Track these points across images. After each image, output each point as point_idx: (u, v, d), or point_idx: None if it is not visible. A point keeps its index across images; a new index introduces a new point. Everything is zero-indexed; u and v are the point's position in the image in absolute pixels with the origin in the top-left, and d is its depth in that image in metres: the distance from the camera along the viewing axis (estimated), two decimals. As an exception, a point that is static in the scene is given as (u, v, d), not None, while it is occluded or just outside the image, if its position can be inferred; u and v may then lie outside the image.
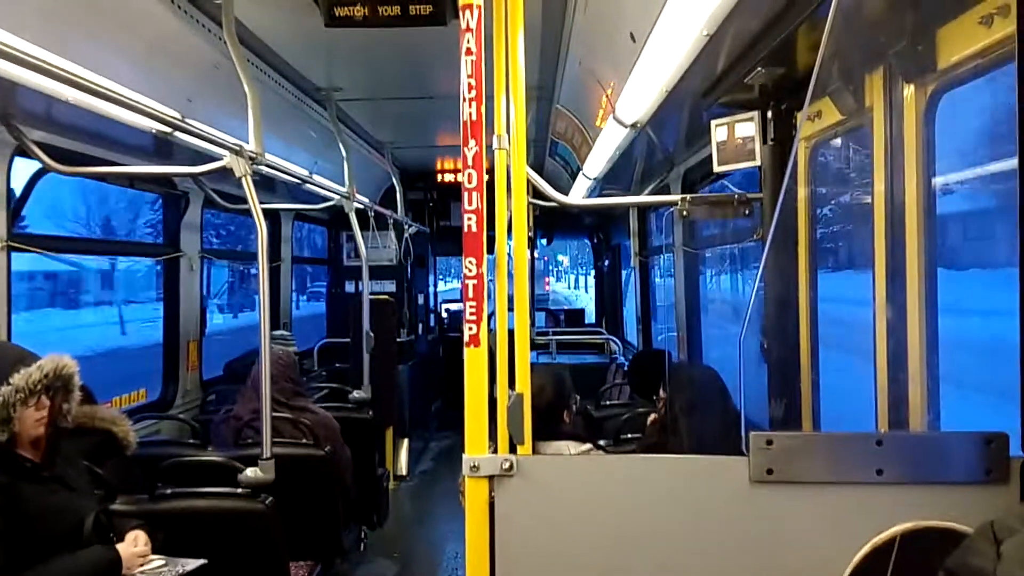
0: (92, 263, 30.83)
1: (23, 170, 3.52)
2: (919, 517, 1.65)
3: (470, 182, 1.80)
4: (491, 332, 1.89)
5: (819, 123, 2.82)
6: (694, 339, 5.24)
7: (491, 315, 1.93)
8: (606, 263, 10.25)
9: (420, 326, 9.10)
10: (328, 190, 5.33)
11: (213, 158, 3.29)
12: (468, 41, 1.79)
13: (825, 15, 1.78)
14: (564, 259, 52.81)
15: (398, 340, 7.29)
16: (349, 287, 8.38)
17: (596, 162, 4.84)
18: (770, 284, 2.89)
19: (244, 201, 3.19)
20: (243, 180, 3.15)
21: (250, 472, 3.07)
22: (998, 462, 1.66)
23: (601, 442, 3.77)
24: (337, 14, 2.82)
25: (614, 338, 8.12)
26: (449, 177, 8.55)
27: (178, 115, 3.31)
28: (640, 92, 3.14)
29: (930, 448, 1.73)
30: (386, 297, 6.89)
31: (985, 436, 1.67)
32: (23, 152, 3.27)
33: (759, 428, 1.93)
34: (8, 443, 2.43)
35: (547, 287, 33.63)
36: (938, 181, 2.24)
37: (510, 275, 2.03)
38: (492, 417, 1.86)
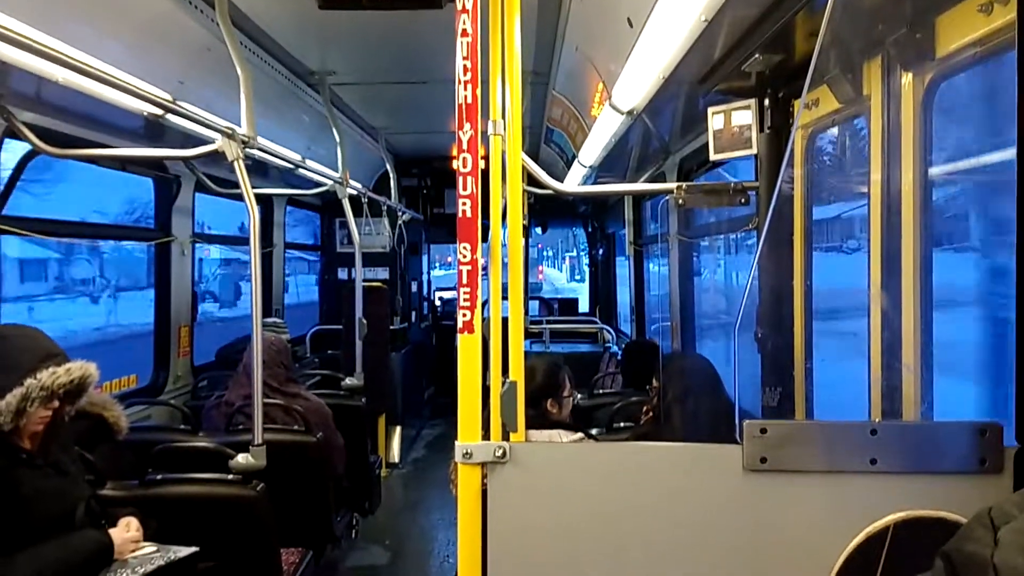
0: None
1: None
2: (913, 507, 1.65)
3: (465, 166, 1.78)
4: (484, 320, 1.88)
5: (816, 111, 2.80)
6: (688, 328, 5.24)
7: (484, 303, 1.91)
8: (600, 251, 10.24)
9: (413, 313, 9.08)
10: (321, 175, 5.30)
11: (205, 141, 3.25)
12: (464, 22, 1.77)
13: (824, 2, 1.76)
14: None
15: (391, 327, 7.27)
16: (342, 274, 8.36)
17: (592, 149, 4.82)
18: (765, 273, 2.88)
19: (236, 185, 3.15)
20: (235, 164, 3.12)
21: (241, 458, 3.06)
22: (992, 452, 1.66)
23: (593, 431, 3.77)
24: (331, -4, 2.79)
25: (608, 327, 8.11)
26: (443, 164, 8.52)
27: (170, 97, 3.28)
28: (636, 79, 3.12)
29: (924, 438, 1.73)
30: (379, 284, 6.87)
31: (979, 426, 1.67)
32: (13, 134, 3.23)
33: (753, 417, 1.93)
34: (9, 431, 2.41)
35: (540, 276, 33.39)
36: (935, 171, 2.23)
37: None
38: (485, 405, 1.85)
